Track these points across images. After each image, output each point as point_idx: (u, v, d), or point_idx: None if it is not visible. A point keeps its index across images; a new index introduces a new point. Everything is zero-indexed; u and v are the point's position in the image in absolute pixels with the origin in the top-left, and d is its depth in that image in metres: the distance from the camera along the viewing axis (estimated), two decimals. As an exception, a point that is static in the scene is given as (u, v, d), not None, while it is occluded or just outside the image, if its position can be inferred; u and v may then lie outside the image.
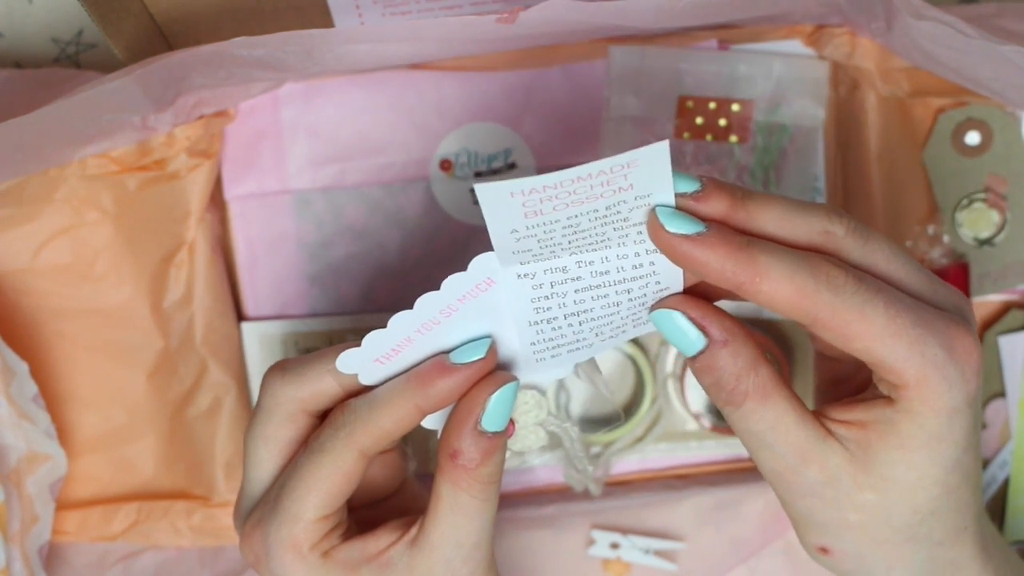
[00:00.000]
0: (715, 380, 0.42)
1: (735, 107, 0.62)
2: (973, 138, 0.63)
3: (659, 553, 0.63)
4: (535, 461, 0.64)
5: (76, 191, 0.59)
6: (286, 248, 0.63)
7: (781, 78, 0.62)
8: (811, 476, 0.42)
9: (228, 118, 0.61)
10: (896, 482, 0.41)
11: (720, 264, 0.40)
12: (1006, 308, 0.64)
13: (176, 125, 0.59)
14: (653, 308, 0.43)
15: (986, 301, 0.64)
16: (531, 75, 0.62)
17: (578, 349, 0.45)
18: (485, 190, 0.38)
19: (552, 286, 0.43)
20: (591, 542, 0.64)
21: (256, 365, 0.63)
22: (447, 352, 0.43)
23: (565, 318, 0.43)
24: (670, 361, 0.63)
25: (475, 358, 0.43)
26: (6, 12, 0.63)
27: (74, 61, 0.64)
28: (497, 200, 0.39)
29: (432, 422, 0.45)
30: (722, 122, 0.62)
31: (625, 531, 0.64)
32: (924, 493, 0.42)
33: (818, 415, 0.42)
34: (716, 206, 0.41)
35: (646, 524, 0.64)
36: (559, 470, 0.64)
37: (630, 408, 0.64)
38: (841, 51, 0.61)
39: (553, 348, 0.44)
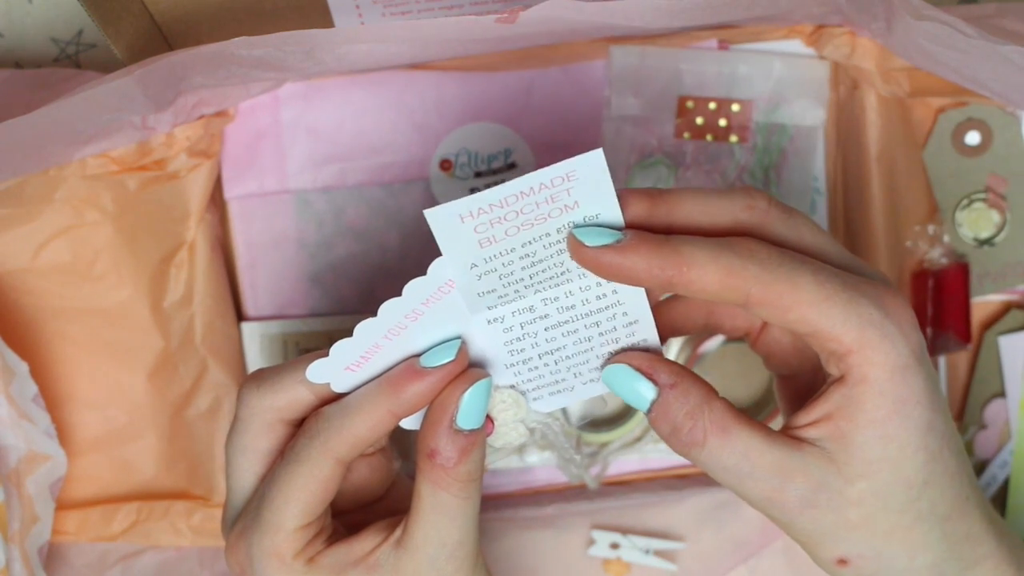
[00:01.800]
0: (671, 425, 0.42)
1: (735, 107, 0.62)
2: (973, 138, 0.63)
3: (659, 553, 0.63)
4: (532, 459, 0.64)
5: (76, 191, 0.59)
6: (286, 248, 0.63)
7: (781, 78, 0.62)
8: (799, 489, 0.42)
9: (228, 118, 0.61)
10: (879, 460, 0.41)
11: (646, 264, 0.40)
12: (1006, 308, 0.64)
13: (176, 125, 0.59)
14: (605, 365, 0.44)
15: (986, 301, 0.64)
16: (531, 75, 0.62)
17: (560, 392, 0.45)
18: (434, 215, 0.39)
19: (522, 327, 0.43)
20: (591, 542, 0.64)
21: (256, 365, 0.63)
22: (418, 356, 0.44)
23: (540, 357, 0.44)
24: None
25: (445, 361, 0.43)
26: (6, 12, 0.63)
27: (74, 61, 0.64)
28: (449, 226, 0.39)
29: (411, 423, 0.45)
30: (722, 122, 0.62)
31: (625, 531, 0.64)
32: (910, 463, 0.41)
33: (785, 431, 0.43)
34: (635, 210, 0.41)
35: (646, 524, 0.64)
36: (560, 471, 0.64)
37: (630, 408, 0.64)
38: (841, 51, 0.61)
39: (535, 389, 0.45)
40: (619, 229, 0.41)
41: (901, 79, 0.61)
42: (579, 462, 0.62)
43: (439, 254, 0.41)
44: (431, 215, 0.39)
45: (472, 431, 0.43)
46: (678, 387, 0.42)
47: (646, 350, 0.44)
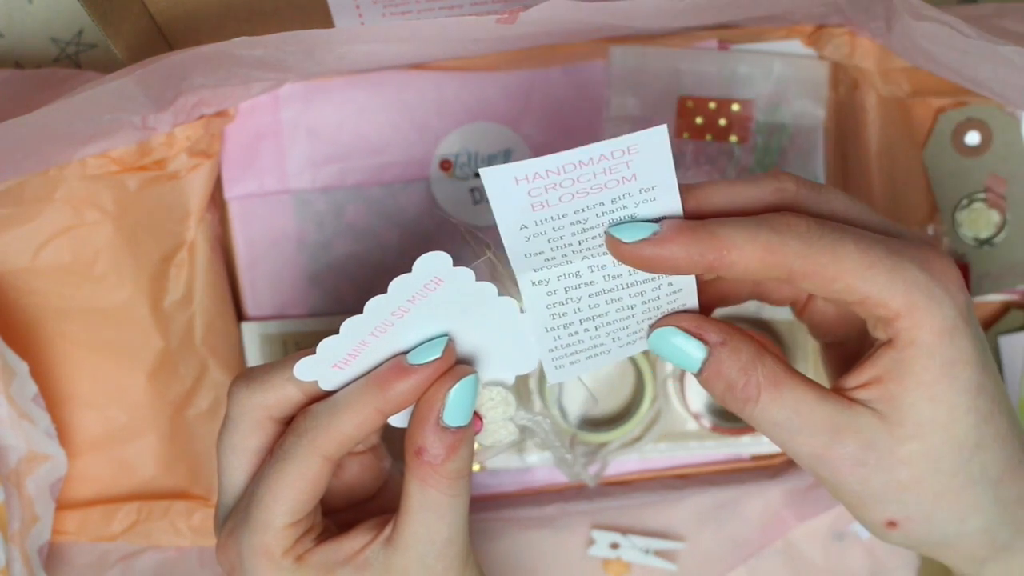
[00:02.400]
0: (725, 383, 0.42)
1: (735, 107, 0.62)
2: (973, 138, 0.63)
3: (659, 553, 0.63)
4: (532, 459, 0.64)
5: (76, 191, 0.59)
6: (286, 248, 0.63)
7: (781, 78, 0.62)
8: (849, 447, 0.41)
9: (228, 118, 0.61)
10: (931, 423, 0.41)
11: (686, 252, 0.40)
12: (1006, 308, 0.64)
13: (176, 125, 0.59)
14: (652, 328, 0.43)
15: (986, 301, 0.64)
16: (531, 75, 0.62)
17: (596, 355, 0.45)
18: (490, 175, 0.39)
19: (566, 291, 0.43)
20: (591, 542, 0.64)
21: (256, 364, 0.63)
22: (405, 353, 0.44)
23: (581, 323, 0.44)
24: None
25: (432, 358, 0.43)
26: (6, 12, 0.63)
27: (74, 61, 0.64)
28: (503, 186, 0.39)
29: (399, 420, 0.45)
30: (722, 122, 0.62)
31: (625, 531, 0.64)
32: (960, 424, 0.41)
33: (836, 391, 0.42)
34: None
35: (646, 524, 0.64)
36: (559, 471, 0.64)
37: (630, 408, 0.64)
38: (841, 51, 0.61)
39: (572, 354, 0.45)
40: (654, 221, 0.41)
41: (901, 79, 0.61)
42: (571, 461, 0.62)
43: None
44: (486, 174, 0.39)
45: (459, 428, 0.43)
46: (728, 344, 0.42)
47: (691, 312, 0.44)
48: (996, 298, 0.64)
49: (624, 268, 0.42)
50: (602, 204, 0.41)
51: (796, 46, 0.62)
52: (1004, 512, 0.42)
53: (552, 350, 0.44)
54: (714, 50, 0.62)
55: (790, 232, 0.40)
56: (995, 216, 0.63)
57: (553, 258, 0.42)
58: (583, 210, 0.40)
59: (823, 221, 0.41)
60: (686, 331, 0.43)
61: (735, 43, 0.63)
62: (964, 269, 0.62)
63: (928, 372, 0.40)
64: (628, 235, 0.41)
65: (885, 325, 0.41)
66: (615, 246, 0.41)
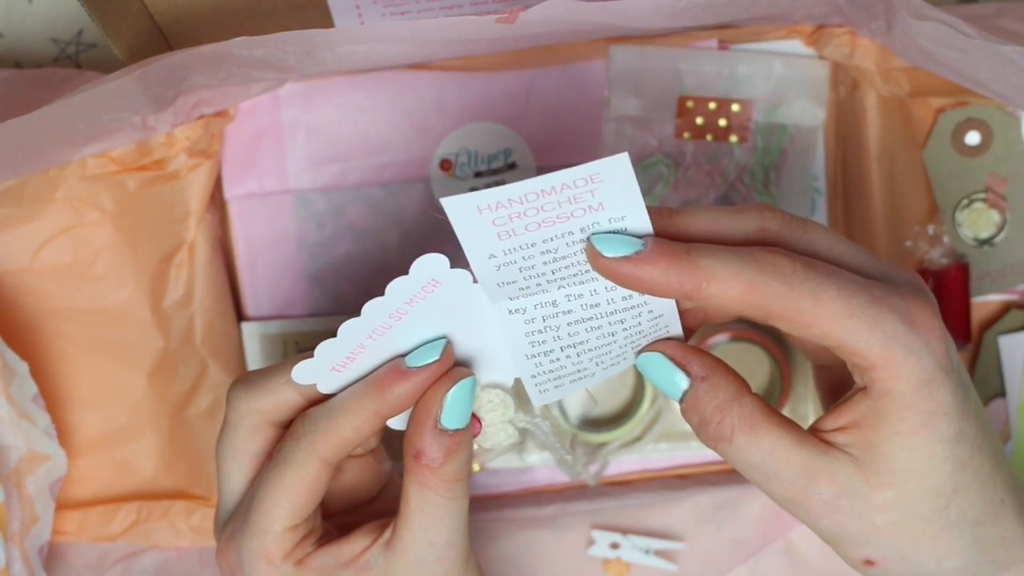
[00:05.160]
0: (700, 418, 0.42)
1: (735, 107, 0.62)
2: (973, 138, 0.63)
3: (659, 553, 0.63)
4: (532, 459, 0.64)
5: (76, 191, 0.59)
6: (286, 248, 0.63)
7: (781, 78, 0.62)
8: (824, 493, 0.41)
9: (228, 118, 0.61)
10: (907, 471, 0.41)
11: (664, 277, 0.40)
12: (1006, 308, 0.64)
13: (176, 125, 0.59)
14: (639, 353, 0.43)
15: (986, 301, 0.64)
16: (531, 75, 0.62)
17: (581, 379, 0.45)
18: (453, 204, 0.38)
19: (544, 320, 0.43)
20: (591, 542, 0.64)
21: (256, 365, 0.63)
22: (403, 356, 0.44)
23: (562, 350, 0.43)
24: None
25: (430, 360, 0.43)
26: (6, 12, 0.63)
27: (74, 61, 0.64)
28: (467, 216, 0.39)
29: (398, 423, 0.45)
30: (722, 122, 0.62)
31: (625, 531, 0.64)
32: (937, 473, 0.41)
33: (813, 432, 0.42)
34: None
35: (646, 524, 0.64)
36: (559, 470, 0.64)
37: (630, 408, 0.64)
38: (841, 51, 0.61)
39: (555, 379, 0.45)
40: (640, 237, 0.40)
41: (901, 79, 0.61)
42: (571, 462, 0.62)
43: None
44: (448, 203, 0.38)
45: (457, 431, 0.43)
46: (709, 380, 0.42)
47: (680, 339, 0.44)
48: (996, 298, 0.64)
49: (603, 297, 0.42)
50: (571, 233, 0.40)
51: (796, 46, 0.62)
52: (983, 553, 0.42)
53: (534, 376, 0.44)
54: (714, 50, 0.62)
55: (774, 272, 0.39)
56: (995, 216, 0.63)
57: (527, 287, 0.42)
58: (552, 239, 0.40)
59: (810, 263, 0.40)
60: (671, 359, 0.43)
61: (735, 43, 0.63)
62: (964, 269, 0.62)
63: (905, 422, 0.40)
64: (610, 249, 0.40)
65: (861, 372, 0.41)
66: (594, 257, 0.40)
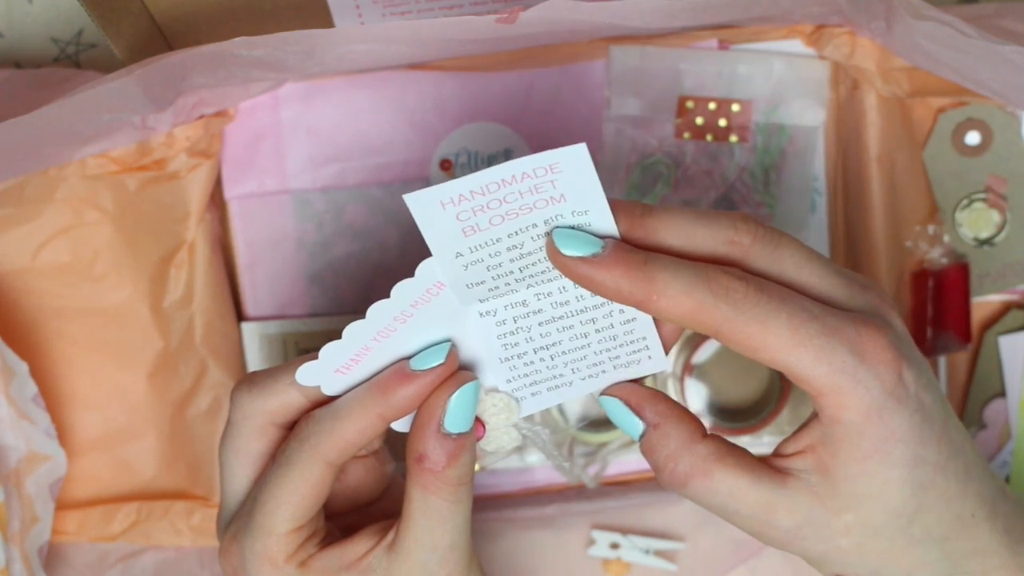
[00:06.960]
0: (654, 463, 0.43)
1: (735, 107, 0.62)
2: (973, 138, 0.63)
3: (659, 553, 0.63)
4: (532, 459, 0.64)
5: (76, 191, 0.59)
6: (286, 248, 0.63)
7: (781, 78, 0.62)
8: (785, 523, 0.42)
9: (228, 118, 0.61)
10: (865, 496, 0.41)
11: (615, 284, 0.40)
12: (1006, 308, 0.64)
13: (176, 125, 0.59)
14: (601, 395, 0.44)
15: (986, 301, 0.64)
16: (531, 75, 0.62)
17: (558, 387, 0.45)
18: (415, 200, 0.38)
19: (515, 321, 0.43)
20: (591, 542, 0.64)
21: (256, 365, 0.63)
22: (408, 358, 0.43)
23: (535, 352, 0.43)
24: (671, 361, 0.63)
25: (434, 364, 0.43)
26: (6, 12, 0.64)
27: (74, 61, 0.64)
28: (431, 213, 0.39)
29: (402, 425, 0.45)
30: (722, 122, 0.62)
31: (625, 531, 0.64)
32: (896, 497, 0.41)
33: (773, 458, 0.43)
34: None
35: (646, 524, 0.64)
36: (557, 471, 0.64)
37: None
38: (841, 51, 0.61)
39: (532, 384, 0.45)
40: (601, 237, 0.40)
41: (901, 79, 0.61)
42: (568, 468, 0.62)
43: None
44: (411, 200, 0.38)
45: (460, 435, 0.43)
46: (660, 428, 0.42)
47: (641, 379, 0.44)
48: (996, 298, 0.64)
49: (571, 295, 0.42)
50: (535, 226, 0.40)
51: (796, 46, 0.62)
52: (955, 566, 0.43)
53: (510, 380, 0.44)
54: (714, 50, 0.62)
55: (724, 297, 0.40)
56: (995, 216, 0.63)
57: (496, 287, 0.42)
58: (516, 233, 0.40)
59: (764, 287, 0.40)
60: (627, 404, 0.43)
61: (735, 43, 0.63)
62: (964, 269, 0.63)
63: (858, 449, 0.40)
64: (568, 247, 0.40)
65: (813, 399, 0.41)
66: (553, 253, 0.40)
